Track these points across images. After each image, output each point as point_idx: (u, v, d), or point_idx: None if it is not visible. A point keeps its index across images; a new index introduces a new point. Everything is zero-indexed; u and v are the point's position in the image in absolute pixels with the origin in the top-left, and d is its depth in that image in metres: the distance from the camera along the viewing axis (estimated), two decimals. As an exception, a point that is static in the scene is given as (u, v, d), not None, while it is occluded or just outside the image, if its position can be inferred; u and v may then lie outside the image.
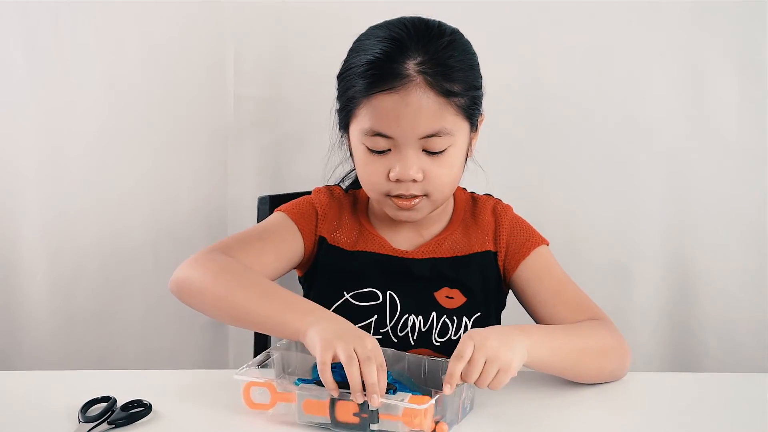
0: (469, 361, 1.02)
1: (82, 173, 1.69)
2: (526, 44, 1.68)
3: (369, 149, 1.20)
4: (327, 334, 1.03)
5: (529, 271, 1.29)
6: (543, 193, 1.73)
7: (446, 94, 1.16)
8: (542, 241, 1.32)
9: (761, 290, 1.73)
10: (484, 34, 1.64)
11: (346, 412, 1.01)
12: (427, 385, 1.10)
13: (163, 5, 1.65)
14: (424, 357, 1.11)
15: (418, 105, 1.15)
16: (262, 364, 1.11)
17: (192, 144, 1.71)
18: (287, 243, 1.29)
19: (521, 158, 1.73)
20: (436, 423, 1.00)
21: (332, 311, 1.17)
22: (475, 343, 1.03)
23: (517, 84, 1.70)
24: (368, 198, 1.34)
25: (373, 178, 1.22)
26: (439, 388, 1.03)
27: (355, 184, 1.38)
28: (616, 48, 1.69)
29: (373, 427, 1.00)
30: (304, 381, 1.06)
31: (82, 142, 1.68)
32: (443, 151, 1.19)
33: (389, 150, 1.19)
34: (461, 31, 1.25)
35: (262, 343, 1.56)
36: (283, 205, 1.34)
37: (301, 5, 1.65)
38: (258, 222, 1.54)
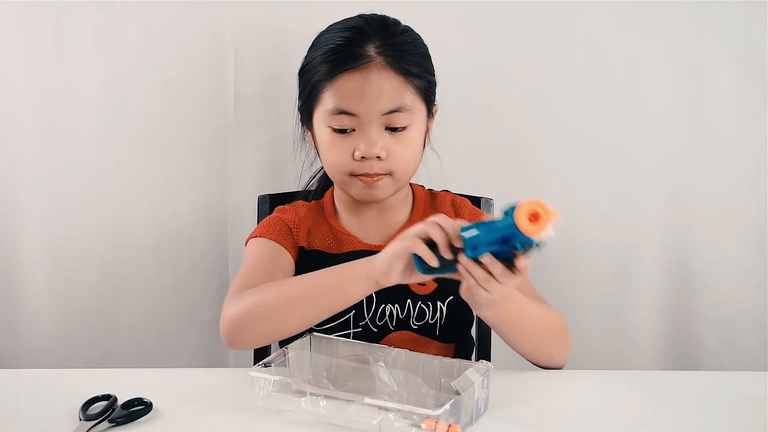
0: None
1: (82, 173, 1.69)
2: (525, 44, 1.68)
3: (334, 130, 1.27)
4: (391, 249, 1.11)
5: None
6: (542, 194, 1.71)
7: (405, 73, 1.25)
8: None
9: (761, 290, 1.73)
10: (483, 34, 1.66)
11: None
12: (440, 388, 1.11)
13: (163, 5, 1.65)
14: (437, 357, 1.13)
15: (379, 83, 1.23)
16: (277, 363, 1.11)
17: (192, 144, 1.71)
18: (282, 261, 1.34)
19: (521, 158, 1.73)
20: (449, 426, 0.99)
21: None
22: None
23: (516, 84, 1.70)
24: (333, 200, 1.40)
25: (338, 158, 1.28)
26: (453, 391, 1.04)
27: (319, 194, 1.44)
28: (616, 47, 1.69)
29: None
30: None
31: (82, 142, 1.68)
32: (405, 128, 1.26)
33: (353, 130, 1.25)
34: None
35: (262, 342, 1.55)
36: (254, 231, 1.38)
37: (302, 5, 1.65)
38: (257, 221, 1.54)
